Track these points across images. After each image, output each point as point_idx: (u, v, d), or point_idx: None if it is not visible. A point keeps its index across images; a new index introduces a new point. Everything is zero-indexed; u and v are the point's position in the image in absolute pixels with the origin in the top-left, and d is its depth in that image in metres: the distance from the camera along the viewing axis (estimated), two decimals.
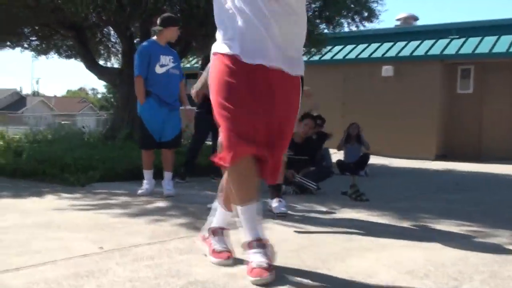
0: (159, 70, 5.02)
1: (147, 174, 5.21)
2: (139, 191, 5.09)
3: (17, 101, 54.47)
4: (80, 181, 5.89)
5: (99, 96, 63.56)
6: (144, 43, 5.26)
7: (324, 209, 4.54)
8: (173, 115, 5.11)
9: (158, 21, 5.10)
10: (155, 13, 8.08)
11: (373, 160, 11.06)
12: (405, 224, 3.94)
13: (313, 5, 9.11)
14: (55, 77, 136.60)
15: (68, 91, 77.01)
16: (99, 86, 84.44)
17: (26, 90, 78.07)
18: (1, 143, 8.42)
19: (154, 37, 5.14)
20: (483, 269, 2.59)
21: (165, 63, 5.05)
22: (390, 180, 7.42)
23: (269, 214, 4.03)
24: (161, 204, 4.58)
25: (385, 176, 8.29)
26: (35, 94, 61.69)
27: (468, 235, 3.50)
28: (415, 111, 13.43)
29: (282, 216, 3.99)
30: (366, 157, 8.44)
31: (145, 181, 5.19)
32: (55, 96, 63.08)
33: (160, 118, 5.05)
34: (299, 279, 2.32)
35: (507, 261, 2.77)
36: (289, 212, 4.16)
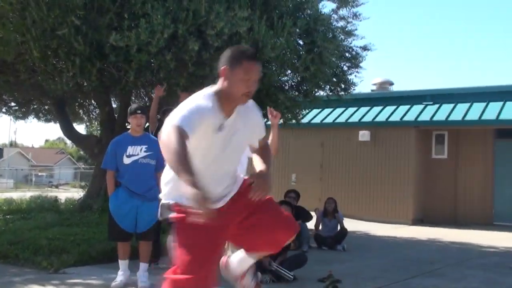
0: (126, 160, 5.09)
1: (122, 264, 5.15)
2: (113, 284, 5.01)
3: None
4: (54, 266, 5.78)
5: None
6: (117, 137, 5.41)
7: None
8: (147, 206, 5.05)
9: None
10: (134, 89, 8.26)
11: (352, 225, 11.10)
12: None
13: (291, 80, 9.32)
14: (33, 127, 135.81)
15: (47, 141, 76.39)
16: None
17: (3, 141, 77.14)
18: None
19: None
20: None
21: (133, 153, 5.09)
22: (366, 260, 7.42)
23: None
24: None
25: (362, 252, 8.30)
26: (12, 144, 61.08)
27: None
28: (392, 176, 13.62)
29: None
30: (343, 232, 8.47)
31: (119, 272, 5.12)
32: (32, 146, 62.59)
33: (128, 209, 5.04)
34: None
35: None
36: None
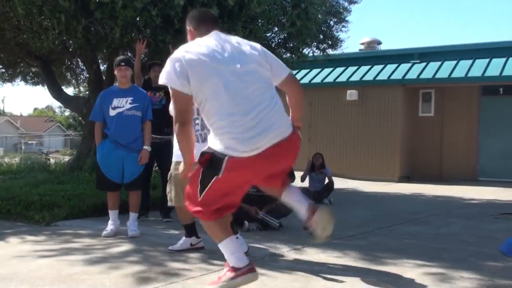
0: (111, 112, 5.17)
1: (112, 214, 5.27)
2: (104, 232, 5.14)
3: None
4: (45, 220, 5.90)
5: (67, 114, 62.86)
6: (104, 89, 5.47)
7: (286, 249, 4.67)
8: (133, 157, 5.16)
9: None
10: (121, 47, 8.23)
11: (341, 183, 11.32)
12: (363, 264, 4.10)
13: (278, 37, 9.31)
14: (21, 94, 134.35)
15: (35, 110, 75.77)
16: None
17: None
18: None
19: None
20: None
21: (118, 105, 5.16)
22: (352, 211, 7.60)
23: None
24: (124, 247, 4.63)
25: (348, 205, 8.48)
26: (1, 113, 60.61)
27: (424, 279, 3.66)
28: (379, 134, 13.78)
29: None
30: (330, 186, 8.64)
31: (110, 222, 5.24)
32: (21, 115, 62.15)
33: (114, 159, 5.15)
34: None
35: None
36: (253, 255, 4.27)
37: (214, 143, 2.81)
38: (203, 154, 2.84)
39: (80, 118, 13.46)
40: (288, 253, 4.53)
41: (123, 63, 5.20)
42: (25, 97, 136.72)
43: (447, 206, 8.50)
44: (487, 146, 13.67)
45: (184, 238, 4.55)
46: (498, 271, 3.96)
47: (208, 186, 2.83)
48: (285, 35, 9.08)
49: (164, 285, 3.41)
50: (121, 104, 5.18)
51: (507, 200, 9.29)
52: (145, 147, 5.23)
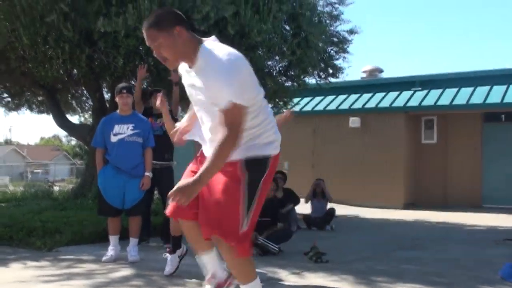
0: (113, 139, 5.27)
1: (112, 239, 5.32)
2: (104, 258, 5.18)
3: None
4: (47, 246, 5.94)
5: (73, 143, 63.18)
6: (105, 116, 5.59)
7: (285, 273, 4.69)
8: (134, 183, 5.24)
9: None
10: (124, 75, 8.39)
11: (344, 210, 11.32)
12: None
13: (278, 65, 9.46)
14: (28, 124, 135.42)
15: (42, 139, 76.23)
16: None
17: None
18: None
19: None
20: None
21: (120, 132, 5.26)
22: (352, 236, 7.61)
23: None
24: (124, 272, 4.67)
25: (349, 230, 8.49)
26: (8, 142, 61.02)
27: None
28: (383, 161, 13.80)
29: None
30: (331, 212, 8.67)
31: (110, 247, 5.29)
32: (28, 145, 62.53)
33: (115, 185, 5.21)
34: None
35: None
36: None
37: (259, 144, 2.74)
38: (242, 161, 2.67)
39: (86, 147, 13.53)
40: (287, 277, 4.55)
41: (124, 90, 5.31)
42: (32, 127, 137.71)
43: (448, 232, 8.49)
44: (490, 172, 13.65)
45: (169, 256, 4.56)
46: None
47: (256, 196, 2.66)
48: (286, 63, 9.22)
49: None
50: (123, 131, 5.27)
51: (510, 226, 9.25)
52: (146, 173, 5.31)
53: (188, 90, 2.83)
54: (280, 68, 9.59)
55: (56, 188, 11.63)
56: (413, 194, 14.15)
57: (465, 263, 5.42)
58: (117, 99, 5.36)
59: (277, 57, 9.11)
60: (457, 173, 13.89)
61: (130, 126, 5.30)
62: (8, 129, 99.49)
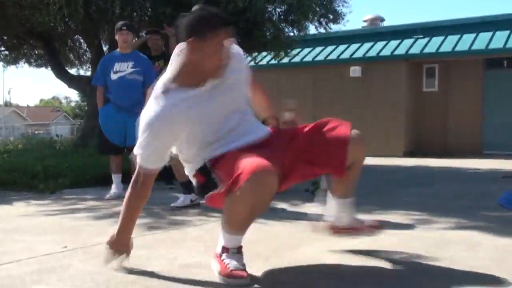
0: (113, 76, 5.27)
1: (115, 178, 5.36)
2: (107, 196, 5.23)
3: None
4: (50, 188, 5.99)
5: (73, 104, 63.03)
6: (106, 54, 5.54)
7: (285, 205, 4.73)
8: (134, 120, 5.21)
9: None
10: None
11: None
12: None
13: (278, 9, 9.32)
14: (27, 86, 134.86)
15: (41, 100, 76.10)
16: (72, 94, 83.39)
17: None
18: None
19: None
20: (421, 251, 2.81)
21: (120, 70, 5.24)
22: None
23: None
24: None
25: None
26: (7, 104, 60.91)
27: (412, 224, 3.72)
28: (383, 110, 13.78)
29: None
30: None
31: (113, 185, 5.33)
32: (28, 106, 62.42)
33: (116, 123, 5.23)
34: (250, 265, 2.50)
35: (443, 244, 3.00)
36: None
37: None
38: None
39: (86, 107, 13.47)
40: (287, 207, 4.60)
41: (124, 27, 5.25)
42: (31, 89, 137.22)
43: (449, 174, 8.53)
44: (491, 119, 13.65)
45: (183, 195, 4.63)
46: (492, 218, 4.00)
47: None
48: (286, 7, 9.08)
49: (165, 231, 3.49)
50: (123, 69, 5.25)
51: (509, 169, 9.28)
52: None
53: None
54: (281, 13, 9.45)
55: (57, 139, 11.65)
56: (414, 143, 14.19)
57: (465, 195, 5.48)
58: (116, 37, 5.31)
59: (276, 1, 8.96)
60: (458, 121, 13.90)
61: (131, 64, 5.27)
62: (8, 91, 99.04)
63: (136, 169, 2.48)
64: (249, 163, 2.11)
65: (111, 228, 3.58)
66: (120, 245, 2.50)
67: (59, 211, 4.50)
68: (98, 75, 5.38)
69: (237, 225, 2.27)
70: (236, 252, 2.29)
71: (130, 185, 2.50)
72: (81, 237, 3.29)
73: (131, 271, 2.43)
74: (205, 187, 2.38)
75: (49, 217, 4.19)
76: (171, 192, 5.80)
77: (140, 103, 5.22)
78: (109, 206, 4.77)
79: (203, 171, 2.41)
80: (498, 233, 3.33)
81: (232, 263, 2.23)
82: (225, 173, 2.23)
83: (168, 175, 6.14)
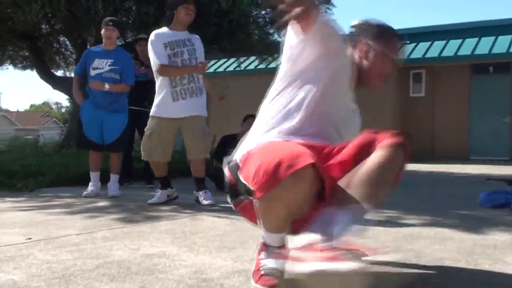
0: (91, 72, 5.20)
1: (93, 175, 5.29)
2: (84, 193, 5.16)
3: None
4: (29, 187, 5.91)
5: (63, 110, 62.57)
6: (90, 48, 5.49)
7: None
8: (112, 118, 5.19)
9: None
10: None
11: None
12: None
13: (263, 12, 9.32)
14: (17, 91, 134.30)
15: (32, 106, 75.65)
16: (63, 100, 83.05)
17: None
18: None
19: None
20: (390, 244, 2.79)
21: (98, 67, 5.18)
22: None
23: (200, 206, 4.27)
24: (103, 203, 4.67)
25: None
26: None
27: (384, 221, 3.69)
28: (371, 115, 13.72)
29: (211, 205, 4.33)
30: None
31: (90, 183, 5.26)
32: (17, 111, 61.99)
33: (93, 119, 5.19)
34: (214, 255, 2.46)
35: (412, 238, 2.98)
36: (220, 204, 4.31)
37: None
38: None
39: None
40: None
41: (110, 23, 5.19)
42: (22, 94, 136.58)
43: (435, 178, 8.54)
44: (478, 125, 13.69)
45: (160, 191, 4.59)
46: (467, 216, 3.99)
47: None
48: (270, 10, 9.07)
49: (135, 224, 3.44)
50: (101, 66, 5.19)
51: (496, 174, 9.30)
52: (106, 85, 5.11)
53: None
54: (266, 16, 9.44)
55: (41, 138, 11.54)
56: None
57: (444, 196, 5.49)
58: (102, 32, 5.23)
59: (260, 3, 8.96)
60: (445, 126, 13.93)
61: (109, 61, 5.20)
62: None
63: None
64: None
65: (79, 222, 3.54)
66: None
67: (33, 207, 4.43)
68: (79, 66, 5.38)
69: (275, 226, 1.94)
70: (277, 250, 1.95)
71: None
72: (47, 230, 3.23)
73: (91, 260, 2.38)
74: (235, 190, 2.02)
75: (21, 212, 4.13)
76: (150, 191, 5.75)
77: (117, 100, 5.21)
78: (84, 203, 4.71)
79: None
80: (470, 229, 3.33)
81: (267, 265, 1.96)
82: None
83: (148, 175, 6.12)
